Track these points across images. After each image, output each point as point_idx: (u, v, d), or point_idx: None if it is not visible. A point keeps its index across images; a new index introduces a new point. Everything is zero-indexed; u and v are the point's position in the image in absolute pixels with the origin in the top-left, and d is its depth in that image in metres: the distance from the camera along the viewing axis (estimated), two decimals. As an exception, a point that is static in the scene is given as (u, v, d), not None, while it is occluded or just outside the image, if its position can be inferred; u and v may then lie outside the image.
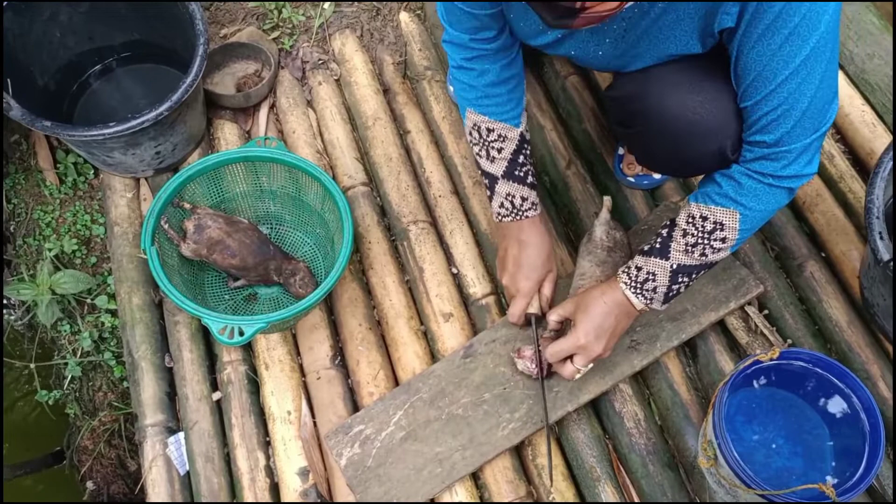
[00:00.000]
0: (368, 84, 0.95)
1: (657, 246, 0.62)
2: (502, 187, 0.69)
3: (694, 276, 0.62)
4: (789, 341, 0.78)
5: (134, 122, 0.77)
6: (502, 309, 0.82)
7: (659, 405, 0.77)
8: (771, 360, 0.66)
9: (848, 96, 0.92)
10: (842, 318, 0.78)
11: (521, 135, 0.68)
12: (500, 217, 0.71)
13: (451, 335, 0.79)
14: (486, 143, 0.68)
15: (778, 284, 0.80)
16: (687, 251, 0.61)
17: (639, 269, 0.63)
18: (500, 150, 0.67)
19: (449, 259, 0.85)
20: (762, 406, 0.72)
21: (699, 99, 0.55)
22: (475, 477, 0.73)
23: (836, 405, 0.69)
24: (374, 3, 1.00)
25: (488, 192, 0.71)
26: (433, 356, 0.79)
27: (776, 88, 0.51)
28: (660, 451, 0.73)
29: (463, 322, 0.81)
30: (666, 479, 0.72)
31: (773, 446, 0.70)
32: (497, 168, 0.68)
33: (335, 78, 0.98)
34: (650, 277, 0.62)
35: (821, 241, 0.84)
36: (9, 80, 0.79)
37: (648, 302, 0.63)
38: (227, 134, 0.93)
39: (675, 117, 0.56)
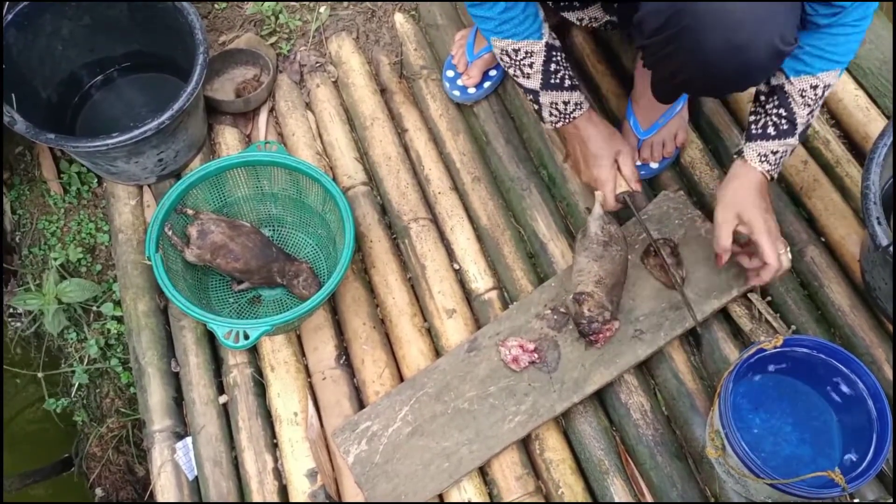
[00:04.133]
0: (366, 85, 0.96)
1: (785, 127, 0.67)
2: (545, 98, 0.72)
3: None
4: (793, 327, 0.78)
5: (137, 132, 0.78)
6: (505, 303, 0.82)
7: (665, 395, 0.76)
8: (775, 347, 0.66)
9: (841, 81, 0.92)
10: (844, 303, 0.78)
11: (547, 44, 0.69)
12: (552, 124, 0.75)
13: (454, 331, 0.79)
14: (517, 63, 0.70)
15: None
16: (808, 119, 0.67)
17: (775, 152, 0.68)
18: (531, 65, 0.70)
19: (450, 255, 0.86)
20: (768, 394, 0.72)
21: None
22: (483, 473, 0.73)
23: (842, 391, 0.69)
24: (370, 4, 1.01)
25: (535, 107, 0.74)
26: (437, 353, 0.80)
27: None
28: (667, 442, 0.73)
29: (466, 318, 0.81)
30: (675, 469, 0.72)
31: (781, 434, 0.70)
32: (534, 82, 0.71)
33: (333, 80, 0.99)
34: (785, 153, 0.69)
35: (819, 226, 0.84)
36: (13, 95, 0.80)
37: (778, 172, 0.70)
38: (228, 139, 0.94)
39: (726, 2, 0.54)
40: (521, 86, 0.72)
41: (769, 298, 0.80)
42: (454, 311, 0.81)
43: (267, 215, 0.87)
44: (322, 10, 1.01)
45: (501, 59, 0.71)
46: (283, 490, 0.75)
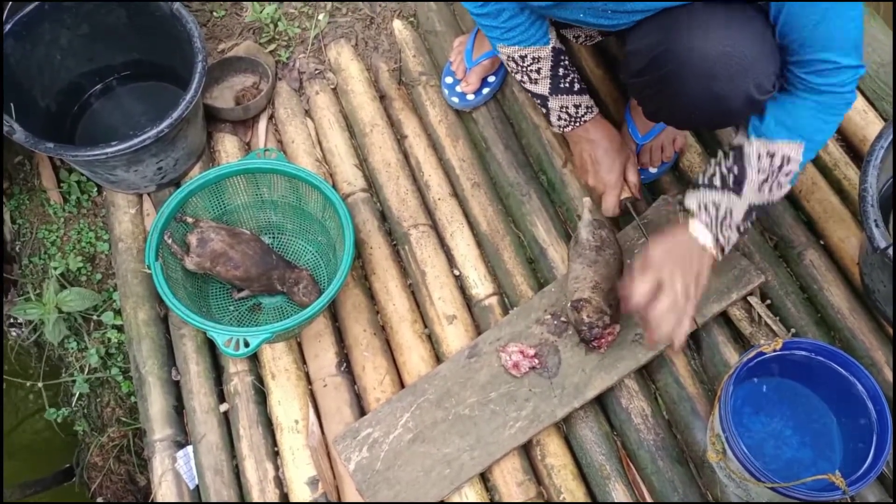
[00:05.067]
0: (365, 91, 0.97)
1: (730, 183, 0.61)
2: (554, 103, 0.72)
3: (753, 219, 0.62)
4: (793, 330, 0.78)
5: (136, 140, 0.78)
6: (505, 308, 0.83)
7: (665, 400, 0.76)
8: (774, 350, 0.66)
9: (838, 85, 0.93)
10: (843, 306, 0.78)
11: (553, 49, 0.69)
12: (561, 128, 0.75)
13: (455, 337, 0.80)
14: (524, 69, 0.70)
15: (778, 274, 0.81)
16: (760, 189, 0.61)
17: (716, 205, 0.61)
18: (538, 71, 0.70)
19: (450, 261, 0.86)
20: (769, 397, 0.72)
21: (730, 32, 0.56)
22: (485, 479, 0.73)
23: (842, 394, 0.69)
24: (368, 11, 1.01)
25: (543, 111, 0.74)
26: (438, 359, 0.80)
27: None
28: (669, 447, 0.73)
29: (467, 324, 0.81)
30: (676, 474, 0.72)
31: (782, 437, 0.70)
32: (542, 88, 0.71)
33: (332, 87, 0.99)
34: (727, 215, 0.61)
35: (818, 229, 0.84)
36: (12, 105, 0.80)
37: (725, 242, 0.61)
38: (228, 146, 0.94)
39: (708, 50, 0.55)
40: (528, 91, 0.72)
41: (769, 302, 0.80)
42: (454, 317, 0.81)
43: (267, 223, 0.87)
44: (321, 17, 1.02)
45: (508, 65, 0.71)
46: (285, 498, 0.74)
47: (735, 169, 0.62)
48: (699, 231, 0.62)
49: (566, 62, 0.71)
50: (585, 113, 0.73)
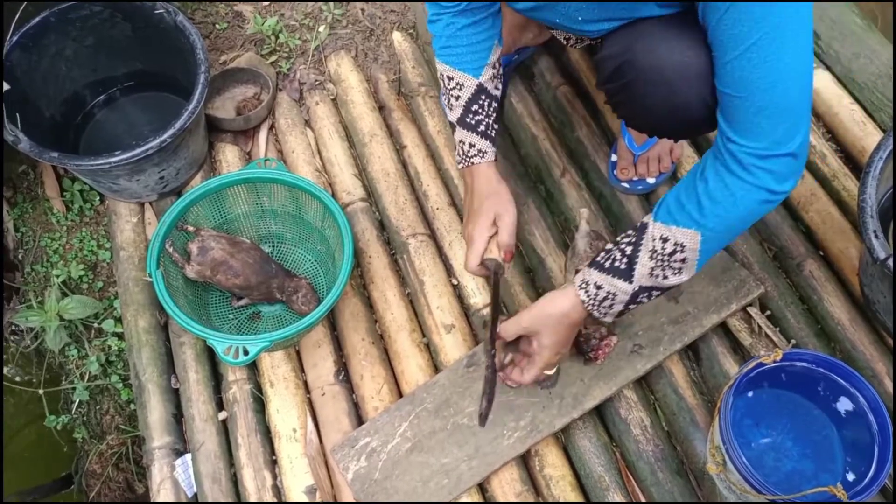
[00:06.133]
0: (364, 102, 0.98)
1: (621, 266, 0.59)
2: (458, 134, 0.69)
3: (652, 296, 0.59)
4: (793, 342, 0.78)
5: (138, 150, 0.79)
6: (503, 318, 0.83)
7: (665, 410, 0.76)
8: (774, 361, 0.66)
9: (836, 96, 0.93)
10: (844, 317, 0.78)
11: (480, 85, 0.67)
12: (458, 165, 0.71)
13: (453, 346, 0.80)
14: (447, 91, 0.69)
15: (778, 284, 0.81)
16: (652, 273, 0.58)
17: (599, 287, 0.60)
18: (457, 98, 0.68)
19: (449, 270, 0.86)
20: (769, 408, 0.71)
21: (687, 43, 0.56)
22: (483, 489, 0.73)
23: (843, 405, 0.68)
24: (368, 23, 1.03)
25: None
26: (436, 368, 0.80)
27: (728, 63, 0.49)
28: (668, 458, 0.73)
29: (465, 333, 0.81)
30: (676, 486, 0.71)
31: (783, 449, 0.69)
32: (454, 115, 0.69)
33: (332, 98, 1.00)
34: (609, 297, 0.60)
35: (818, 239, 0.84)
36: (17, 115, 0.82)
37: (602, 316, 0.61)
38: (229, 156, 0.95)
39: (665, 59, 0.56)
40: (446, 116, 0.71)
41: (768, 313, 0.80)
42: (453, 325, 0.81)
43: (267, 231, 0.87)
44: (321, 29, 1.03)
45: (440, 83, 0.70)
46: (283, 507, 0.74)
47: (628, 250, 0.59)
48: (576, 307, 0.61)
49: (485, 102, 0.67)
50: (476, 155, 0.68)
